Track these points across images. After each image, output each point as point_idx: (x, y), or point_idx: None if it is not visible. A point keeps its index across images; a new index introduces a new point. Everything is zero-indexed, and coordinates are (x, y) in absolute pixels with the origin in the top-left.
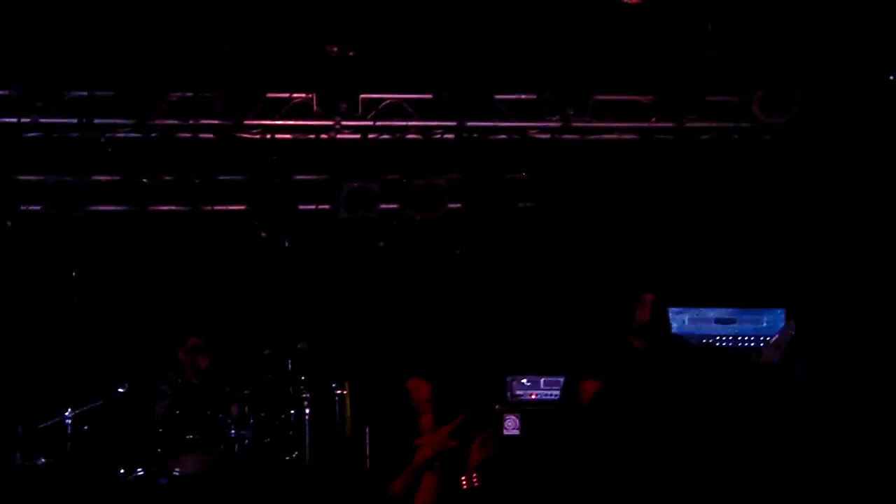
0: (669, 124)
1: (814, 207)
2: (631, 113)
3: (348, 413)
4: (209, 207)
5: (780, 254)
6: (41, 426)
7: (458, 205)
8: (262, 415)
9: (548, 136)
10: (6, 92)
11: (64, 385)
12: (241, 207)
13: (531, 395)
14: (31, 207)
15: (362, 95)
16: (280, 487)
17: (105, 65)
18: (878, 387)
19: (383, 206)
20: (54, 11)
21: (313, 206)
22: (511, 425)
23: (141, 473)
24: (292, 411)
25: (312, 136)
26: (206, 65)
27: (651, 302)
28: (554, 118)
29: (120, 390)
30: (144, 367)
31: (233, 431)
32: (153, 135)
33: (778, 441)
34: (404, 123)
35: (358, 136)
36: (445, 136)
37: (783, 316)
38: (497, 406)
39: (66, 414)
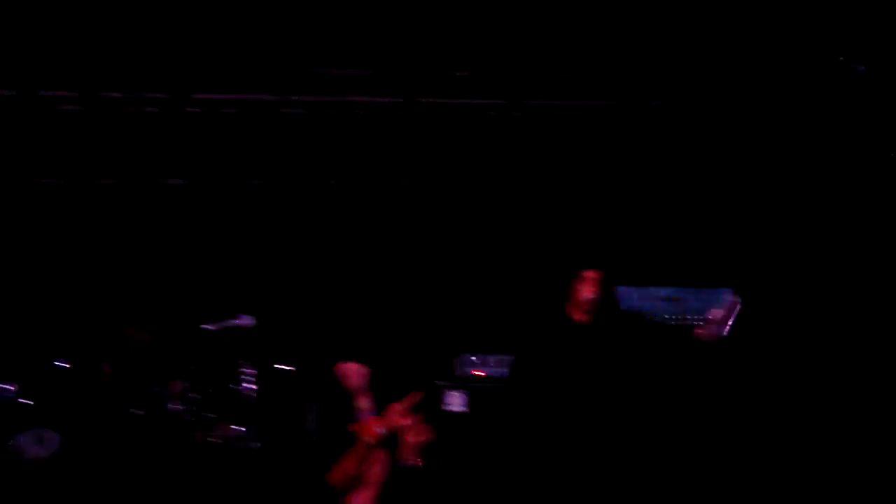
0: (614, 102)
1: (762, 186)
2: (578, 90)
3: (293, 389)
4: (154, 181)
5: (729, 233)
6: None
7: (408, 181)
8: (206, 391)
9: (495, 113)
10: None
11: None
12: (187, 182)
13: (480, 372)
14: None
15: (310, 70)
16: (223, 464)
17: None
18: (823, 364)
19: (331, 181)
20: None
21: (260, 182)
22: (456, 402)
23: (80, 447)
24: (236, 388)
25: (259, 111)
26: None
27: (597, 279)
28: (503, 95)
29: (62, 366)
30: (86, 342)
31: (176, 407)
32: (98, 107)
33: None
34: (353, 99)
35: (305, 111)
36: (395, 112)
37: (730, 295)
38: (438, 382)
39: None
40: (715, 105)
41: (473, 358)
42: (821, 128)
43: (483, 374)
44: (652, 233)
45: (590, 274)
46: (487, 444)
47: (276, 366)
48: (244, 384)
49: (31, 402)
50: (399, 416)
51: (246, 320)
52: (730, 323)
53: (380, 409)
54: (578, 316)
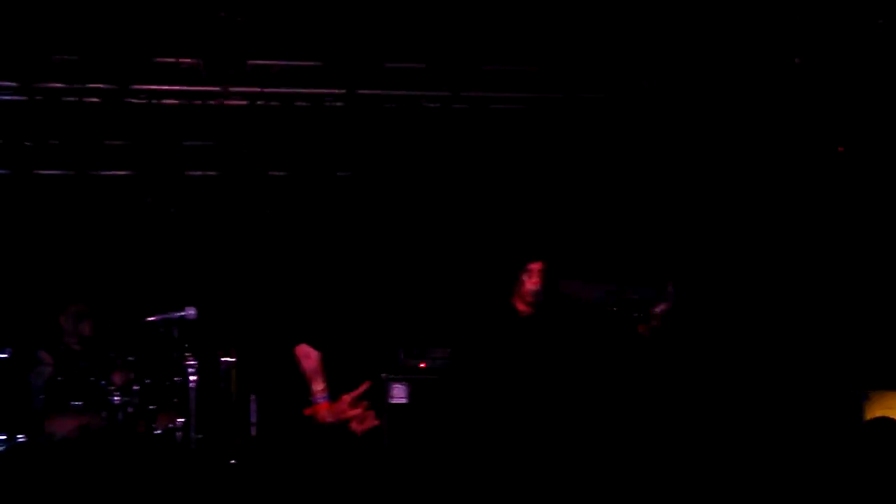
0: (559, 95)
1: (701, 181)
2: (521, 83)
3: (234, 380)
4: (95, 172)
5: (668, 228)
6: None
7: (349, 173)
8: (147, 382)
9: (438, 104)
10: None
11: None
12: (128, 173)
13: (420, 363)
14: None
15: (251, 61)
16: (163, 455)
17: None
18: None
19: (273, 173)
20: None
21: (200, 173)
22: (399, 394)
23: (22, 440)
24: (177, 379)
25: (200, 102)
26: (92, 28)
27: (540, 270)
28: (444, 87)
29: (1, 356)
30: (25, 332)
31: (116, 398)
32: (38, 98)
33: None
34: (294, 90)
35: (246, 102)
36: (335, 103)
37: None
38: (383, 374)
39: None
40: (659, 100)
41: (414, 349)
42: (761, 122)
43: (424, 365)
44: (594, 226)
45: (534, 265)
46: (429, 435)
47: (218, 357)
48: (186, 375)
49: None
50: (348, 407)
51: (188, 312)
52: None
53: (329, 396)
54: (522, 307)
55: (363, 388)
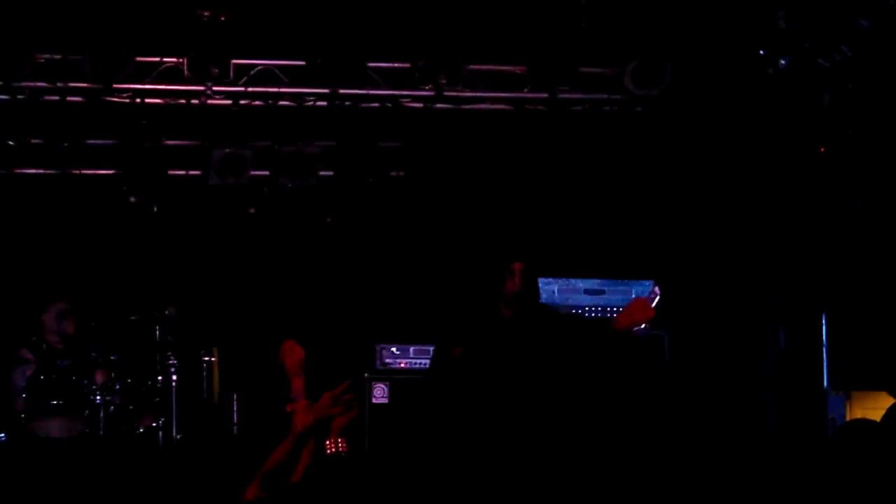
0: (542, 95)
1: (682, 180)
2: (503, 83)
3: (216, 380)
4: (77, 171)
5: (650, 225)
6: None
7: (330, 173)
8: (129, 381)
9: (420, 104)
10: None
11: None
12: (110, 172)
13: (400, 363)
14: None
15: (234, 61)
16: (145, 454)
17: None
18: (740, 358)
19: (254, 172)
20: None
21: (183, 172)
22: (379, 394)
23: (3, 438)
24: (159, 378)
25: (183, 101)
26: (75, 27)
27: (521, 271)
28: (427, 87)
29: None
30: (7, 330)
31: (98, 397)
32: (20, 97)
33: (640, 406)
34: (276, 90)
35: (229, 101)
36: (318, 103)
37: (651, 287)
38: (366, 374)
39: None
40: (641, 99)
41: (394, 349)
42: (743, 122)
43: (405, 365)
44: (574, 225)
45: (515, 266)
46: (408, 435)
47: (200, 356)
48: (168, 375)
49: None
50: (330, 406)
51: (169, 311)
52: (650, 314)
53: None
54: (504, 308)
55: (344, 386)
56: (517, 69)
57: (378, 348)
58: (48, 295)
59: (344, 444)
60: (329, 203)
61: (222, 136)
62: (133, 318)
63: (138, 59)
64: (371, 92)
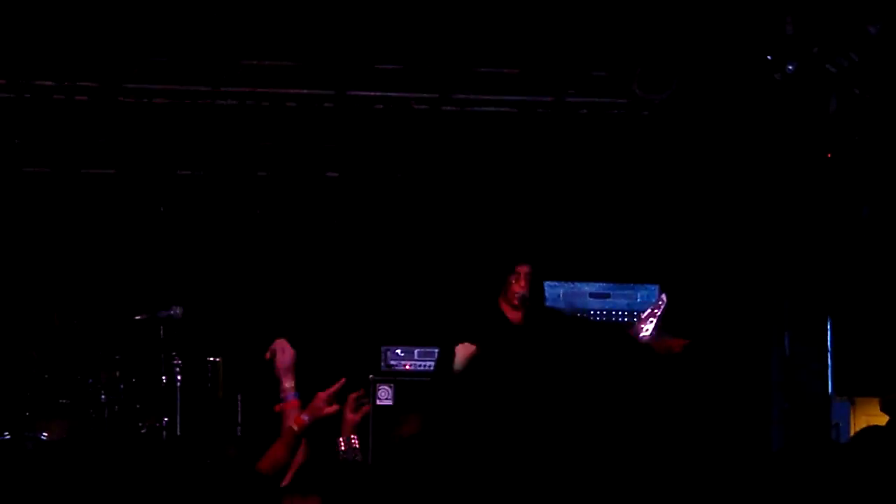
0: (548, 98)
1: (688, 184)
2: (510, 86)
3: (221, 380)
4: (84, 170)
5: (655, 229)
6: None
7: (337, 174)
8: (133, 380)
9: (427, 107)
10: None
11: None
12: (117, 171)
13: (405, 365)
14: None
15: (242, 61)
16: (149, 454)
17: None
18: (747, 362)
19: (261, 173)
20: None
21: (190, 172)
22: (384, 395)
23: (7, 437)
24: (164, 378)
25: (190, 102)
26: (83, 26)
27: (526, 274)
28: (434, 89)
29: None
30: (14, 330)
31: (103, 397)
32: (26, 96)
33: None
34: (284, 91)
35: (237, 102)
36: (325, 104)
37: (657, 291)
38: (371, 376)
39: None
40: (647, 103)
41: (399, 351)
42: (750, 126)
43: (408, 367)
44: (579, 228)
45: (521, 268)
46: (414, 438)
47: (204, 356)
48: (172, 375)
49: None
50: (324, 405)
51: (175, 311)
52: (656, 319)
53: (306, 398)
54: (510, 311)
55: (338, 385)
56: (521, 71)
57: (383, 350)
58: (55, 294)
59: (356, 442)
60: (335, 205)
61: (229, 137)
62: (138, 317)
63: (147, 59)
64: (379, 94)
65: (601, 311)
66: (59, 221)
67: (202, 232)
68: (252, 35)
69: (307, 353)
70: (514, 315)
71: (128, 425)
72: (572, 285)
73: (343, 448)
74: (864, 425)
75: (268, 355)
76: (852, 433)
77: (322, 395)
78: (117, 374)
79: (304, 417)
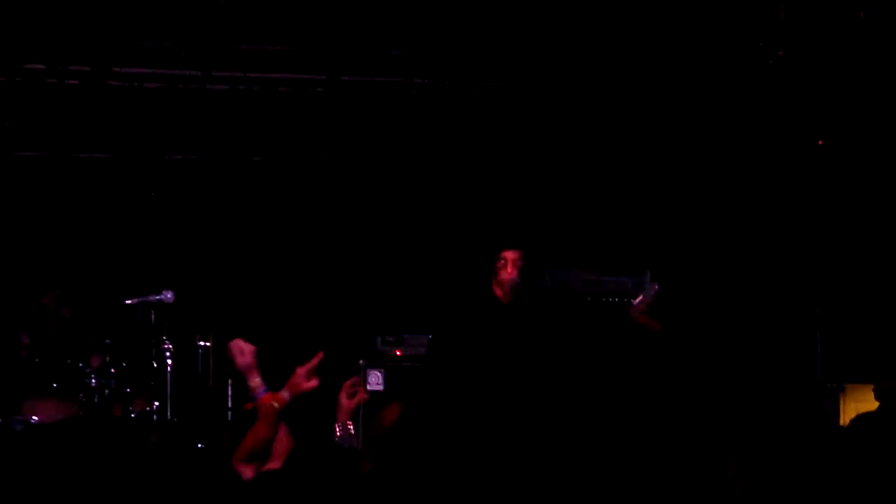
0: (539, 82)
1: (681, 173)
2: (501, 69)
3: (211, 365)
4: (75, 155)
5: (646, 218)
6: None
7: (329, 159)
8: (124, 365)
9: (418, 91)
10: None
11: None
12: (108, 156)
13: (395, 350)
14: None
15: (233, 46)
16: (139, 438)
17: None
18: (738, 353)
19: (253, 157)
20: None
21: (181, 157)
22: (374, 380)
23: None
24: (154, 362)
25: (181, 86)
26: (74, 10)
27: (514, 260)
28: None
29: None
30: (4, 314)
31: (93, 381)
32: (17, 79)
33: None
34: (276, 76)
35: (228, 86)
36: (318, 89)
37: (648, 280)
38: (361, 361)
39: None
40: (641, 89)
41: (390, 337)
42: (743, 113)
43: (400, 352)
44: (570, 218)
45: (509, 254)
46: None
47: (195, 341)
48: (163, 359)
49: None
50: (303, 380)
51: (166, 295)
52: (644, 306)
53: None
54: (501, 295)
55: (316, 360)
56: (512, 55)
57: (376, 336)
58: (46, 278)
59: (352, 428)
60: (325, 189)
61: (220, 122)
62: (129, 302)
63: (137, 42)
64: (372, 79)
65: (592, 298)
66: (50, 205)
67: (193, 217)
68: (244, 19)
69: (298, 339)
70: (507, 300)
71: (118, 409)
72: (564, 273)
73: (339, 434)
74: (853, 412)
75: (237, 360)
76: (842, 420)
77: (301, 369)
78: (108, 358)
79: (284, 394)
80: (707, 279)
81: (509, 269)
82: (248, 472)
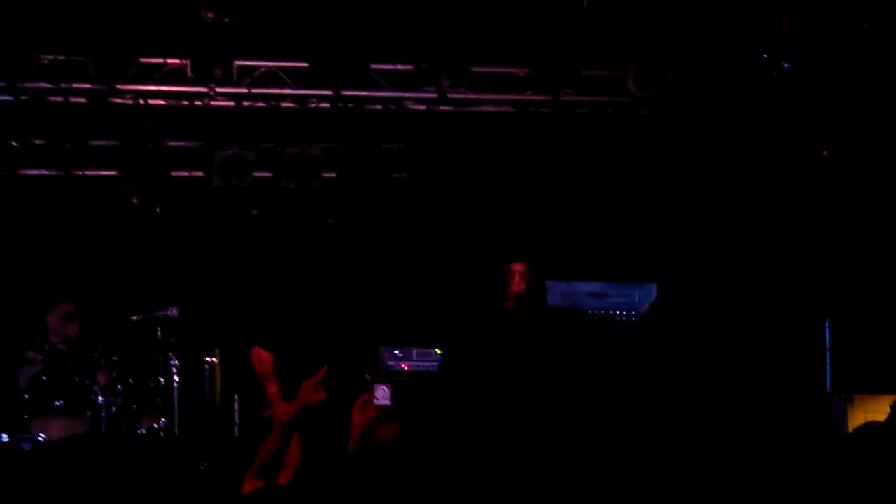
0: (545, 97)
1: (685, 183)
2: (507, 85)
3: (218, 381)
4: (80, 172)
5: (652, 228)
6: None
7: (333, 174)
8: (131, 381)
9: (423, 107)
10: None
11: None
12: (113, 173)
13: (402, 365)
14: None
15: (237, 62)
16: (147, 455)
17: None
18: (744, 360)
19: (257, 174)
20: None
21: (186, 173)
22: (381, 395)
23: (5, 440)
24: (161, 379)
25: (186, 103)
26: (78, 28)
27: (522, 272)
28: (430, 89)
29: None
30: (11, 331)
31: (100, 398)
32: (24, 98)
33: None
34: (280, 91)
35: (232, 103)
36: (321, 104)
37: (654, 290)
38: (368, 375)
39: None
40: (644, 102)
41: (397, 351)
42: (747, 124)
43: (407, 367)
44: (577, 228)
45: (516, 266)
46: (415, 438)
47: (202, 357)
48: (170, 375)
49: None
50: (310, 392)
51: (172, 311)
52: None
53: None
54: (510, 308)
55: (322, 373)
56: (519, 71)
57: (381, 350)
58: (52, 296)
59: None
60: (331, 205)
61: (225, 138)
62: (135, 318)
63: (142, 60)
64: (374, 94)
65: (599, 310)
66: (55, 223)
67: (199, 233)
68: (247, 36)
69: (305, 354)
70: (515, 310)
71: (125, 426)
72: (570, 284)
73: (353, 450)
74: (861, 422)
75: (257, 367)
76: (850, 430)
77: (308, 382)
78: (114, 375)
79: (292, 408)
80: (716, 289)
81: (517, 281)
82: (256, 485)
